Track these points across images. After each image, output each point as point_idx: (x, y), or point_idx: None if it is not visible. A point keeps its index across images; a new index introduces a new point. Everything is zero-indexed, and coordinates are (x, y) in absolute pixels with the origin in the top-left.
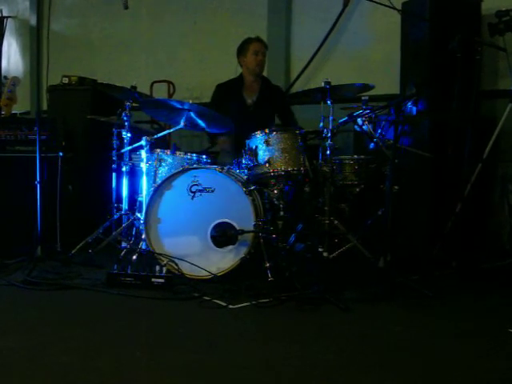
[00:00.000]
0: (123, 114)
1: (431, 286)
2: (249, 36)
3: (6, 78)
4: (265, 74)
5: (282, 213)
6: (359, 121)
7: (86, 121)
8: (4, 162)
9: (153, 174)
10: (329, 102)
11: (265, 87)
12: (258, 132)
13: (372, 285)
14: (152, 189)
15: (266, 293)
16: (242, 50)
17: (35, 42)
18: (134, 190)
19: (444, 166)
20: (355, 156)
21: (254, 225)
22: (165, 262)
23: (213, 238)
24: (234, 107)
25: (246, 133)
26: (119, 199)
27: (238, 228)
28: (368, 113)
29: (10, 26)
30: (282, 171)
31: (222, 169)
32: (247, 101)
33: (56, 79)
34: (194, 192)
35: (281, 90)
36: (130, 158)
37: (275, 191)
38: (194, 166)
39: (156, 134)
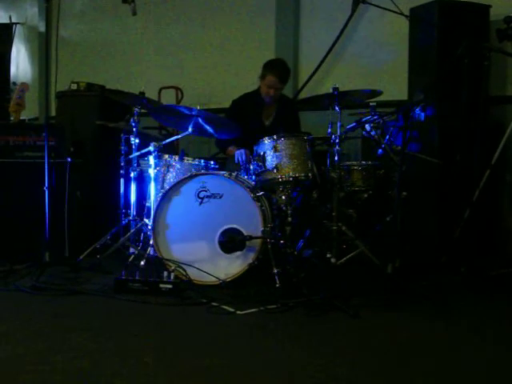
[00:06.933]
0: (131, 120)
1: (440, 292)
2: (270, 60)
3: (14, 84)
4: None
5: (289, 219)
6: (367, 127)
7: (94, 127)
8: (12, 168)
9: (161, 180)
10: (337, 107)
11: (281, 107)
12: (266, 138)
13: (380, 291)
14: (160, 194)
15: (274, 299)
16: (262, 72)
17: (44, 48)
18: (142, 196)
19: (452, 172)
20: (363, 162)
21: (262, 231)
22: (173, 268)
23: (221, 243)
24: (251, 126)
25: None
26: (127, 205)
27: (245, 234)
28: (376, 119)
29: (18, 32)
30: (290, 177)
31: (230, 175)
32: (265, 122)
33: (64, 85)
34: (202, 198)
35: (294, 104)
36: (138, 164)
37: (283, 197)
38: (202, 171)
39: (164, 140)
